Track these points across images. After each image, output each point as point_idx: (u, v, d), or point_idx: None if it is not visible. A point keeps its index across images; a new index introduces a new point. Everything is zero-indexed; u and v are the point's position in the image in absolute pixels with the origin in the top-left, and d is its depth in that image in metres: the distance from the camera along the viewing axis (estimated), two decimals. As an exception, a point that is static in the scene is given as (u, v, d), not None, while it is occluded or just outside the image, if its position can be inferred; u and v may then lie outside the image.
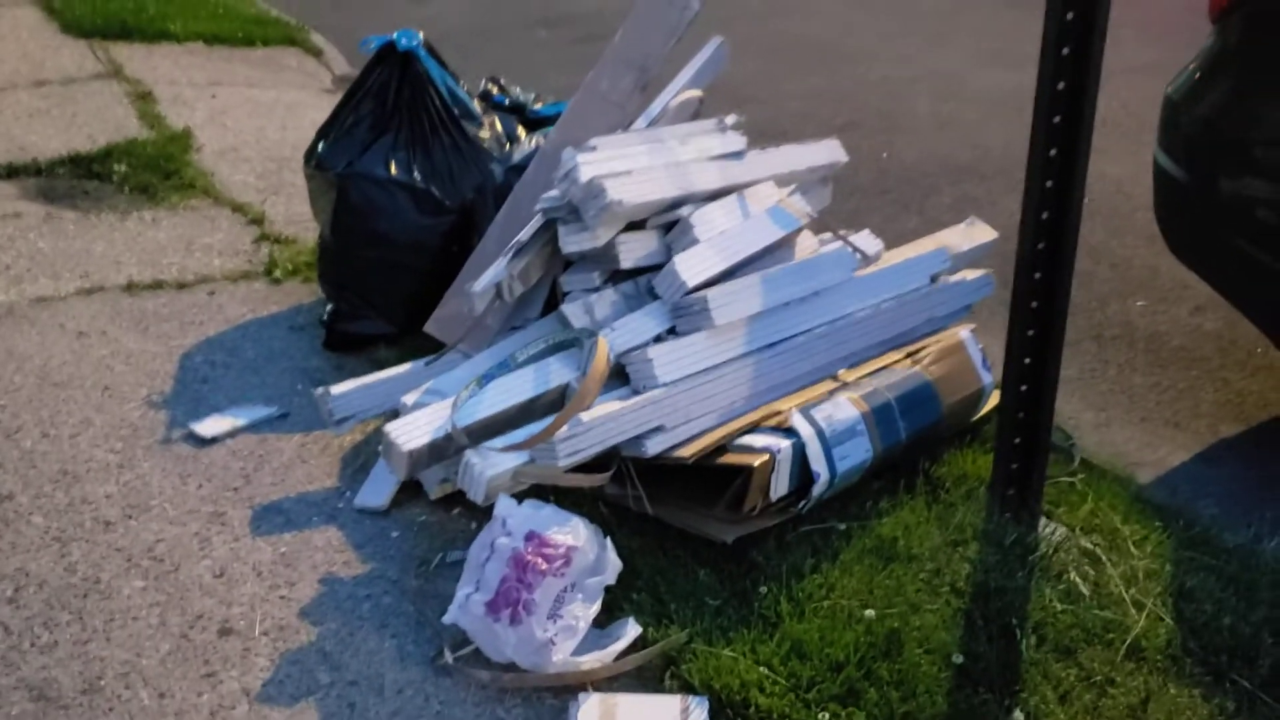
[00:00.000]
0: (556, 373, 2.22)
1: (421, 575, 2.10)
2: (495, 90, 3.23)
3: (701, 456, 2.10)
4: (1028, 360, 2.10)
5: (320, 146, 2.91)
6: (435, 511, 2.28)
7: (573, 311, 2.31)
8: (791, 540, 2.09)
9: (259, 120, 4.69)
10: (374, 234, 2.81)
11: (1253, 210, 2.60)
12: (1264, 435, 2.81)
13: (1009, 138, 4.36)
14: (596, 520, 2.04)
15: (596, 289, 2.36)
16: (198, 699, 1.81)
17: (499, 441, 2.10)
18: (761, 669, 1.79)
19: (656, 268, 2.31)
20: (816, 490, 2.10)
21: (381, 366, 2.55)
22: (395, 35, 2.90)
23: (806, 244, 2.53)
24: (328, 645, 1.92)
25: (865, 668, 1.80)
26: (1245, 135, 2.60)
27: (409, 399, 2.28)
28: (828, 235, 2.64)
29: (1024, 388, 2.11)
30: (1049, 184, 1.99)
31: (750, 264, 2.36)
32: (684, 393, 2.15)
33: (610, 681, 1.83)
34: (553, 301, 2.49)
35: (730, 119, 2.64)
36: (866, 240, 2.62)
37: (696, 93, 2.75)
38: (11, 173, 3.98)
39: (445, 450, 2.12)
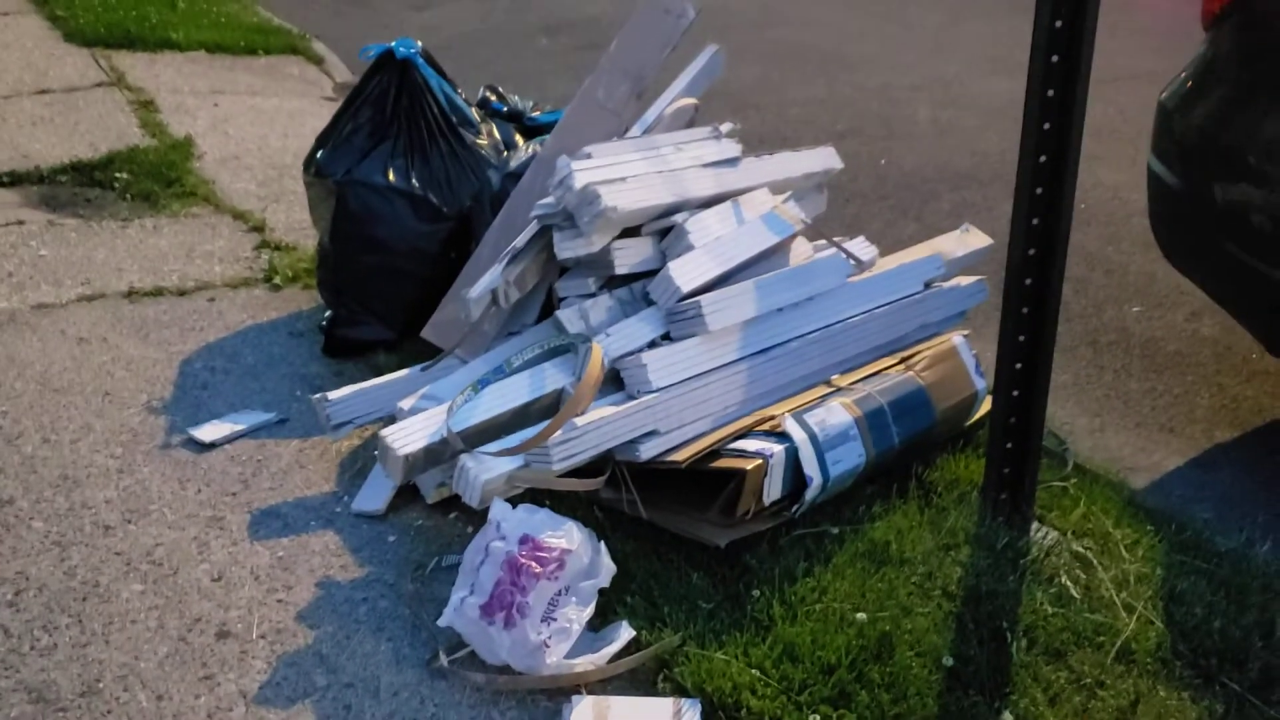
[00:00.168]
0: (552, 378, 2.24)
1: (418, 579, 2.11)
2: (493, 98, 3.26)
3: (695, 461, 2.12)
4: (1019, 365, 2.11)
5: (319, 154, 2.94)
6: (432, 516, 2.29)
7: (568, 317, 2.33)
8: (784, 544, 2.11)
9: (261, 128, 4.72)
10: (372, 240, 2.83)
11: (1246, 216, 2.62)
12: (1259, 440, 2.82)
13: (1007, 145, 4.37)
14: (591, 524, 2.05)
15: (592, 295, 2.38)
16: (195, 701, 1.82)
17: (494, 446, 2.11)
18: (754, 671, 1.81)
19: (651, 274, 2.32)
20: (809, 494, 2.12)
21: (380, 372, 2.57)
22: (394, 43, 2.93)
23: (801, 250, 2.55)
24: (324, 648, 1.94)
25: (857, 670, 1.81)
26: (1238, 142, 2.61)
27: (405, 404, 2.30)
28: (823, 242, 2.66)
29: (1015, 393, 2.13)
30: (1039, 190, 2.01)
31: (745, 270, 2.38)
32: (678, 397, 2.17)
33: (604, 684, 1.84)
34: (549, 307, 2.51)
35: (725, 126, 2.66)
36: (861, 246, 2.64)
37: (692, 100, 2.77)
38: (14, 180, 4.01)
39: (441, 455, 2.13)
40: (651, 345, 2.24)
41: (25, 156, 4.19)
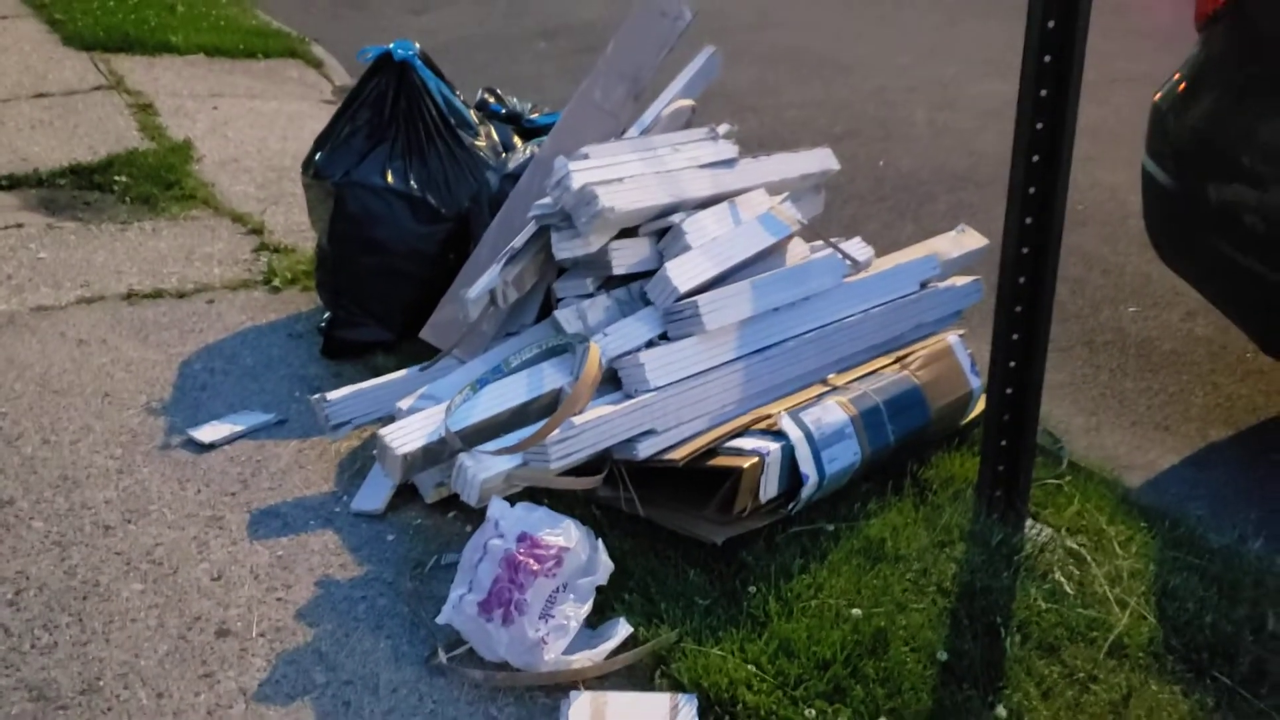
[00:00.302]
0: (549, 377, 2.25)
1: (417, 577, 2.13)
2: (491, 100, 3.27)
3: (692, 459, 2.13)
4: (1013, 364, 2.13)
5: (318, 156, 2.95)
6: (431, 515, 2.31)
7: (566, 317, 2.34)
8: (780, 541, 2.12)
9: (260, 131, 4.74)
10: (371, 242, 2.85)
11: (1239, 216, 2.64)
12: (1253, 439, 2.84)
13: (1004, 146, 4.36)
14: (589, 522, 2.07)
15: (589, 295, 2.39)
16: (195, 699, 1.83)
17: (492, 445, 2.13)
18: (750, 667, 1.82)
19: (649, 274, 2.34)
20: (805, 492, 2.13)
21: (379, 373, 2.58)
22: (392, 45, 2.94)
23: (798, 251, 2.56)
24: (324, 646, 1.95)
25: (852, 666, 1.83)
26: (1231, 142, 2.63)
27: (404, 404, 2.31)
28: (819, 242, 2.67)
29: (1009, 391, 2.14)
30: (1032, 189, 2.02)
31: (741, 270, 2.39)
32: (675, 397, 2.19)
33: (601, 680, 1.85)
34: (547, 308, 2.53)
35: (722, 128, 2.68)
36: (857, 247, 2.65)
37: (689, 102, 2.79)
38: (13, 183, 4.02)
39: (439, 454, 2.15)
40: (649, 345, 2.25)
41: (24, 160, 4.21)
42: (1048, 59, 1.94)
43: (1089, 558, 2.13)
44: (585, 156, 2.38)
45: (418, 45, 3.00)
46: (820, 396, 2.29)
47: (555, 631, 1.83)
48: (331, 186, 2.87)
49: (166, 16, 6.24)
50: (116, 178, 4.06)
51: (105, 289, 3.28)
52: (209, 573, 2.13)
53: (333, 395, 2.41)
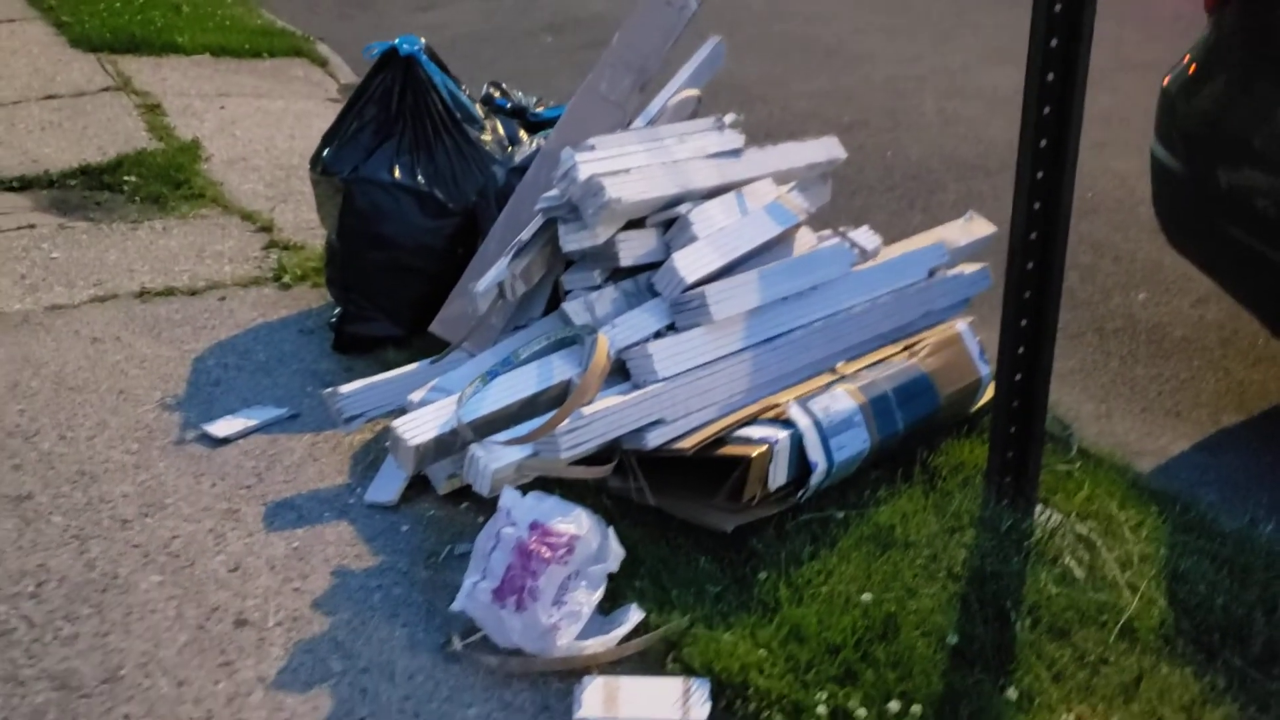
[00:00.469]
0: (559, 369, 2.27)
1: (431, 567, 2.15)
2: (497, 94, 3.28)
3: (701, 448, 2.14)
4: (1021, 350, 2.13)
5: (325, 152, 2.97)
6: (443, 506, 2.33)
7: (574, 309, 2.35)
8: (790, 529, 2.13)
9: (267, 130, 4.76)
10: (379, 237, 2.87)
11: (1250, 200, 2.63)
12: (1265, 424, 2.84)
13: (1014, 134, 4.36)
14: (599, 511, 2.08)
15: (597, 287, 2.40)
16: (215, 687, 1.86)
17: (503, 436, 2.14)
18: (761, 652, 1.84)
19: (656, 265, 2.35)
20: (814, 480, 2.14)
21: (389, 367, 2.60)
22: (397, 41, 2.96)
23: (805, 240, 2.57)
24: (340, 634, 1.97)
25: (862, 650, 1.84)
26: (1241, 126, 2.63)
27: (415, 396, 2.33)
28: (827, 232, 2.68)
29: (1018, 377, 2.14)
30: (1039, 175, 2.03)
31: (748, 260, 2.40)
32: (683, 387, 2.20)
33: (614, 665, 1.87)
34: (555, 300, 2.54)
35: (729, 117, 2.68)
36: (865, 236, 2.66)
37: (694, 92, 2.79)
38: (25, 185, 4.05)
39: (451, 445, 2.17)
40: (657, 336, 2.27)
41: (35, 161, 4.24)
42: (1054, 43, 1.94)
43: (1099, 542, 2.13)
44: (591, 148, 2.39)
45: (423, 40, 3.02)
46: (829, 385, 2.30)
47: (568, 618, 1.84)
48: (340, 183, 2.89)
49: (172, 17, 6.27)
50: (126, 178, 4.09)
51: (118, 287, 3.31)
52: (226, 564, 2.15)
53: (345, 389, 2.43)
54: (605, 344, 2.19)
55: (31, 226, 3.72)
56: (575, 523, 1.93)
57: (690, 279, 2.25)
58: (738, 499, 2.08)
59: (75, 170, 4.15)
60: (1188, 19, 3.06)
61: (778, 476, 2.10)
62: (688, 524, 2.13)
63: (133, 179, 4.08)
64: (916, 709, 1.73)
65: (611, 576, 1.95)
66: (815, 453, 2.13)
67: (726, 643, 1.85)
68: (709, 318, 2.22)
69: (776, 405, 2.22)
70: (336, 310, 3.02)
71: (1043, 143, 2.01)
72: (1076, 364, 3.07)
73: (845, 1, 7.17)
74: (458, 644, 1.92)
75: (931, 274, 2.64)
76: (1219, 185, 2.72)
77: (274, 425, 2.63)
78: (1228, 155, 2.69)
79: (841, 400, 2.23)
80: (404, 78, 2.92)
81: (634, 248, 2.38)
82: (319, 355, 2.96)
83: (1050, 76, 1.97)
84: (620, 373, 2.25)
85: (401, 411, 2.33)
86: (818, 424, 2.15)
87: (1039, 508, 2.22)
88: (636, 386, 2.19)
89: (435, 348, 2.66)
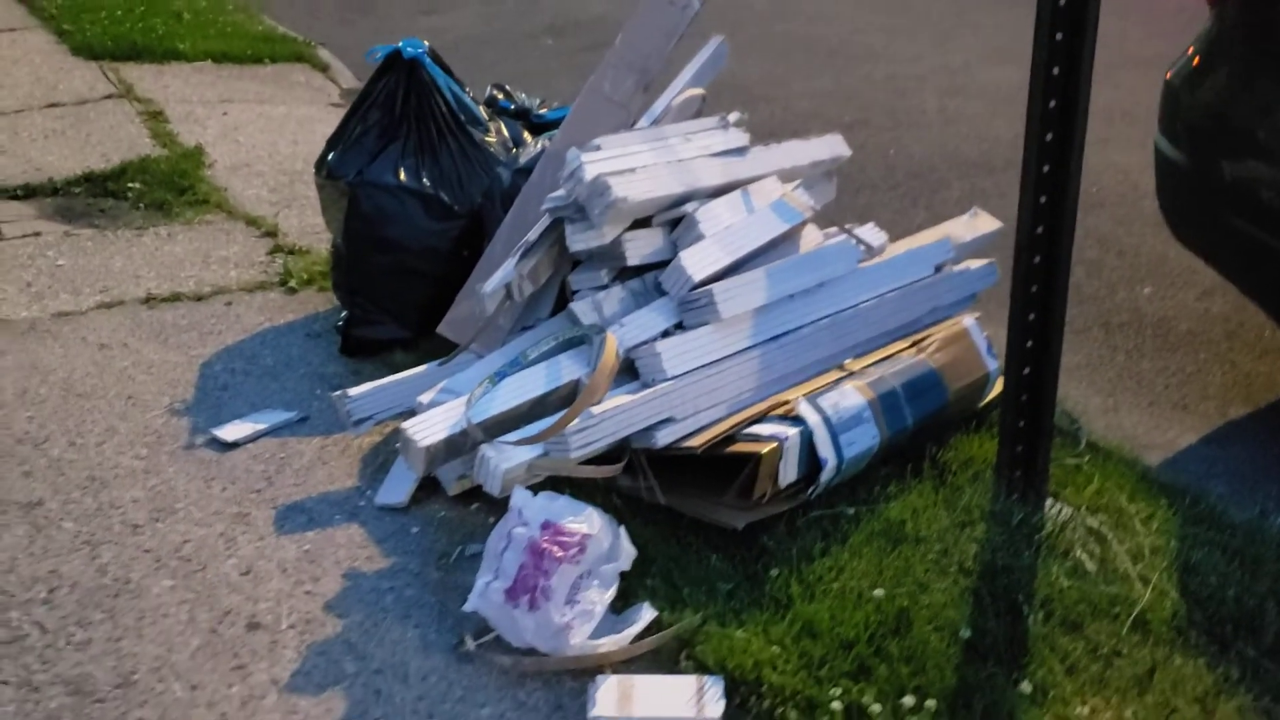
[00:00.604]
0: (567, 369, 2.27)
1: (442, 568, 2.15)
2: (500, 96, 3.29)
3: (711, 446, 2.14)
4: (1030, 343, 2.13)
5: (330, 156, 2.97)
6: (454, 507, 2.33)
7: (582, 309, 2.36)
8: (801, 525, 2.13)
9: (270, 135, 4.77)
10: (386, 240, 2.87)
11: (1254, 192, 2.63)
12: (1272, 416, 2.84)
13: (1016, 132, 4.37)
14: (610, 510, 2.08)
15: (604, 286, 2.41)
16: (229, 690, 1.86)
17: (513, 436, 2.15)
18: (774, 648, 1.84)
19: (663, 264, 2.35)
20: (824, 476, 2.14)
21: (397, 370, 2.60)
22: (401, 44, 2.96)
23: (811, 237, 2.57)
24: (353, 636, 1.98)
25: (875, 645, 1.84)
26: (1245, 117, 2.63)
27: (424, 398, 2.33)
28: (833, 229, 2.68)
29: (1026, 371, 2.15)
30: (1046, 168, 2.03)
31: (755, 258, 2.40)
32: (692, 385, 2.20)
33: (627, 663, 1.87)
34: (562, 300, 2.54)
35: (732, 116, 2.69)
36: (871, 232, 2.66)
37: (698, 91, 2.80)
38: (29, 193, 4.06)
39: (461, 446, 2.17)
40: (665, 334, 2.27)
41: (38, 169, 4.24)
42: (1059, 37, 1.95)
43: (1110, 535, 2.13)
44: (597, 148, 2.39)
45: (426, 43, 3.02)
46: (837, 381, 2.30)
47: (581, 616, 1.85)
48: (345, 186, 2.89)
49: (174, 24, 6.28)
50: (130, 185, 4.10)
51: (124, 294, 3.32)
52: (237, 568, 2.15)
53: (354, 392, 2.44)
54: (614, 343, 2.19)
55: (37, 234, 3.72)
56: (587, 522, 1.93)
57: (698, 277, 2.26)
58: (748, 496, 2.08)
59: (79, 178, 4.15)
60: (1190, 13, 3.07)
61: (788, 473, 2.11)
62: (698, 522, 2.13)
63: (137, 186, 4.08)
64: (931, 703, 1.73)
65: (623, 575, 1.96)
66: (825, 449, 2.13)
67: (739, 640, 1.85)
68: (717, 316, 2.23)
69: (785, 402, 2.23)
70: (343, 314, 3.02)
71: (1048, 137, 2.02)
72: (1083, 359, 3.08)
73: (846, 2, 7.18)
74: (471, 644, 1.92)
75: (938, 270, 2.64)
76: (1223, 177, 2.72)
77: (283, 429, 2.63)
78: (1231, 147, 2.69)
79: (850, 397, 2.23)
80: (408, 81, 2.93)
81: (641, 247, 2.38)
82: (326, 359, 2.97)
83: (1055, 70, 1.98)
84: (628, 372, 2.25)
85: (410, 413, 2.33)
86: (827, 420, 2.16)
87: (1049, 501, 2.23)
88: (645, 385, 2.20)
89: (442, 350, 2.67)
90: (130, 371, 2.89)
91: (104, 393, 2.78)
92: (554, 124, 3.13)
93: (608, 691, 1.79)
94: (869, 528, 2.13)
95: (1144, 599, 1.96)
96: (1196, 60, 2.80)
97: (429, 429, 2.16)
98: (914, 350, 2.45)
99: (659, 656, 1.90)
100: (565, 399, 2.23)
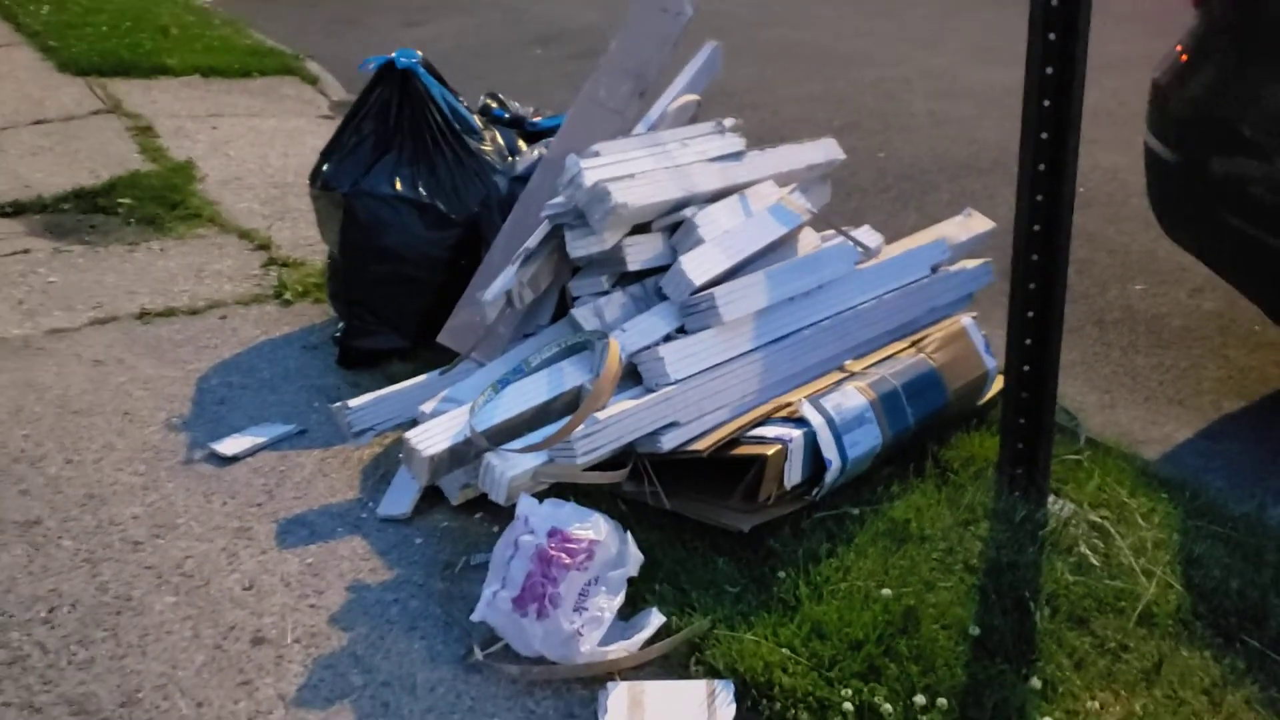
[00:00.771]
0: (570, 375, 2.27)
1: (447, 578, 2.14)
2: (494, 105, 3.29)
3: (715, 449, 2.15)
4: (1029, 341, 2.14)
5: (325, 167, 2.97)
6: (457, 517, 2.32)
7: (583, 315, 2.36)
8: (806, 527, 2.14)
9: (260, 148, 4.76)
10: (382, 250, 2.86)
11: (1244, 187, 2.65)
12: (1266, 409, 2.85)
13: (1004, 133, 4.43)
14: (616, 516, 2.07)
15: (605, 292, 2.41)
16: (235, 706, 1.85)
17: (518, 443, 2.14)
18: (783, 651, 1.83)
19: (663, 269, 2.36)
20: (829, 477, 2.15)
21: (395, 381, 2.59)
22: (394, 54, 2.96)
23: (809, 240, 2.58)
24: (359, 649, 1.96)
25: (884, 645, 1.84)
26: (1232, 113, 2.65)
27: (426, 408, 2.33)
28: (830, 232, 2.69)
29: (1026, 368, 2.15)
30: (1041, 167, 2.04)
31: (755, 261, 2.41)
32: (696, 388, 2.20)
33: (637, 670, 1.87)
34: (562, 307, 2.54)
35: (729, 121, 2.70)
36: (867, 234, 2.67)
37: (694, 97, 2.81)
38: (18, 210, 4.04)
39: (465, 454, 2.16)
40: (667, 339, 2.27)
41: (27, 186, 4.22)
42: (1053, 36, 1.96)
43: (1113, 530, 2.14)
44: (596, 154, 2.40)
45: (419, 53, 3.02)
46: (839, 382, 2.31)
47: (590, 623, 1.84)
48: (341, 197, 2.88)
49: (161, 40, 6.27)
50: (120, 200, 4.08)
51: (118, 309, 3.30)
52: (240, 582, 2.14)
53: (354, 402, 2.43)
54: (617, 348, 2.19)
55: (26, 251, 3.70)
56: (593, 528, 1.92)
57: (698, 281, 2.26)
58: (753, 499, 2.08)
59: (69, 194, 4.14)
60: (1174, 14, 3.10)
61: (793, 475, 2.11)
62: (704, 526, 2.13)
63: (127, 201, 4.07)
64: (942, 701, 1.73)
65: (630, 581, 1.95)
66: (829, 450, 2.13)
67: (749, 643, 1.85)
68: (719, 319, 2.23)
69: (789, 404, 2.23)
70: (340, 325, 3.01)
71: (1043, 135, 2.03)
72: (1078, 356, 3.09)
73: (831, 7, 7.22)
74: (479, 654, 1.91)
75: (934, 270, 2.65)
76: (1213, 172, 2.74)
77: (282, 442, 2.62)
78: (1220, 144, 2.71)
79: (852, 397, 2.23)
80: (401, 91, 2.93)
81: (641, 252, 2.38)
82: (324, 370, 2.96)
83: (1049, 70, 1.99)
84: (631, 377, 2.25)
85: (412, 424, 2.32)
86: (830, 422, 2.16)
87: (1051, 498, 2.23)
88: (649, 390, 2.20)
89: (441, 359, 2.66)
90: (126, 387, 2.87)
91: (100, 409, 2.76)
92: (548, 132, 3.14)
93: (618, 698, 1.78)
94: (874, 528, 2.13)
95: (1149, 593, 1.97)
96: (1183, 58, 2.82)
97: (433, 438, 2.15)
98: (913, 350, 2.46)
99: (669, 662, 1.89)
100: (568, 405, 2.23)
